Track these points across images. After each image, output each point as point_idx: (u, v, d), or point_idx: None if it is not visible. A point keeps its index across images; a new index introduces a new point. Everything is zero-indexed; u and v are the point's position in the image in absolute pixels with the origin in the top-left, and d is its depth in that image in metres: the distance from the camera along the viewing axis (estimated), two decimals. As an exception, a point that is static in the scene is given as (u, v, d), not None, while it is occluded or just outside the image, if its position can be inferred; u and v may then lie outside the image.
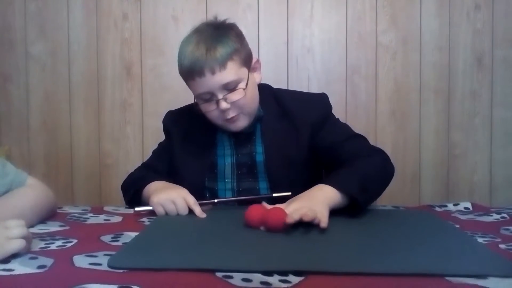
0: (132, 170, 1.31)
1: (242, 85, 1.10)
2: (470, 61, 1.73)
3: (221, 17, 1.18)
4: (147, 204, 1.04)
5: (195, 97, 1.16)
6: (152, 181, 1.11)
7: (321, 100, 1.23)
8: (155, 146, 1.79)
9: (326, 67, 1.74)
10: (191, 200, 1.00)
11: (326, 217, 0.87)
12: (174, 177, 1.19)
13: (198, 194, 1.11)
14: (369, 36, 1.72)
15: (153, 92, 1.75)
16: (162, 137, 1.73)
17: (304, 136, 1.16)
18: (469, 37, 1.72)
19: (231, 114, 1.10)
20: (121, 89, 1.76)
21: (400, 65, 1.73)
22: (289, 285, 0.60)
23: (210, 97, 1.10)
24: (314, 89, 1.73)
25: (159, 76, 1.75)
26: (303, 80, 1.73)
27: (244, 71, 1.11)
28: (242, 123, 1.13)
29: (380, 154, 1.13)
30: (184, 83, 1.76)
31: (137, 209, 1.04)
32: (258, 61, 1.18)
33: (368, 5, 1.72)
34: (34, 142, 1.78)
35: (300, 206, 0.88)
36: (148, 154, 1.75)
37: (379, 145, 1.71)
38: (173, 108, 1.75)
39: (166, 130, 1.30)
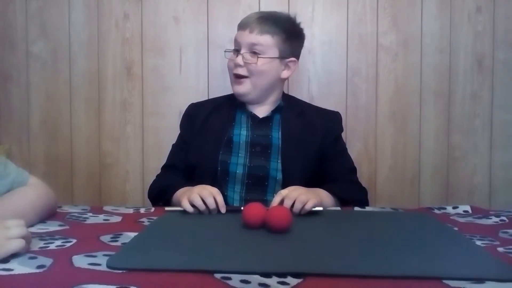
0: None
1: (264, 55, 1.25)
2: (470, 63, 1.73)
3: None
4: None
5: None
6: (178, 188, 1.18)
7: (337, 117, 1.39)
8: (155, 146, 1.80)
9: (327, 69, 1.74)
10: (215, 190, 1.05)
11: (314, 203, 1.01)
12: (191, 156, 1.30)
13: (211, 165, 1.25)
14: (369, 38, 1.72)
15: (154, 92, 1.75)
16: (162, 137, 1.74)
17: (318, 138, 1.30)
18: (470, 39, 1.72)
19: (239, 71, 1.26)
20: (121, 89, 1.76)
21: (400, 67, 1.73)
22: (288, 286, 0.60)
23: (237, 49, 1.28)
24: (315, 90, 1.73)
25: (159, 76, 1.75)
26: (304, 81, 1.74)
27: (275, 52, 1.27)
28: (243, 88, 1.28)
29: (365, 193, 1.33)
30: (183, 84, 1.78)
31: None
32: (296, 62, 1.33)
33: (369, 7, 1.72)
34: (34, 141, 1.78)
35: (296, 189, 1.05)
36: (148, 154, 1.77)
37: (379, 147, 1.74)
38: (173, 108, 1.76)
39: (188, 116, 1.39)
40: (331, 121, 1.36)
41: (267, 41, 1.26)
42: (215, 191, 1.04)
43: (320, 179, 1.28)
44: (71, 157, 1.77)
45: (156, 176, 1.36)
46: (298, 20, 1.36)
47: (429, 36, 1.72)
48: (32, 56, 1.76)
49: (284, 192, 1.05)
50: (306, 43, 1.72)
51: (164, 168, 1.37)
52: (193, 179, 1.24)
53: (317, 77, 1.73)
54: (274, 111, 1.33)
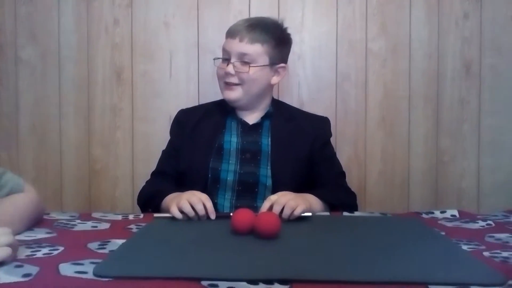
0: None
1: (257, 64, 1.26)
2: (458, 69, 1.75)
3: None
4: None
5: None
6: (167, 194, 1.18)
7: (326, 122, 1.41)
8: (145, 151, 1.79)
9: (317, 74, 1.75)
10: (204, 196, 1.05)
11: (303, 209, 1.01)
12: (182, 163, 1.30)
13: (202, 173, 1.26)
14: (359, 44, 1.74)
15: (144, 98, 1.75)
16: (152, 142, 1.74)
17: (306, 143, 1.31)
18: (458, 45, 1.74)
19: (231, 79, 1.27)
20: (111, 94, 1.75)
21: (389, 72, 1.74)
22: (274, 293, 0.60)
23: (227, 57, 1.28)
24: (305, 95, 1.74)
25: (149, 82, 1.75)
26: (294, 86, 1.74)
27: (265, 59, 1.28)
28: (234, 95, 1.28)
29: (354, 198, 1.34)
30: (174, 89, 1.78)
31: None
32: (285, 69, 1.34)
33: (358, 13, 1.73)
34: (23, 146, 1.77)
35: (285, 195, 1.05)
36: (138, 159, 1.76)
37: (368, 152, 1.75)
38: (163, 114, 1.76)
39: (177, 122, 1.39)
40: (319, 126, 1.37)
41: (258, 50, 1.26)
42: (204, 197, 1.04)
43: (309, 184, 1.28)
44: (60, 162, 1.76)
45: (146, 182, 1.36)
46: (285, 25, 1.37)
47: (417, 42, 1.74)
48: (21, 61, 1.75)
49: (273, 197, 1.05)
50: (296, 48, 1.74)
51: (154, 174, 1.36)
52: (183, 186, 1.24)
53: (307, 83, 1.74)
54: (264, 118, 1.33)
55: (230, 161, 1.28)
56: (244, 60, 1.26)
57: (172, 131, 1.40)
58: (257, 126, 1.33)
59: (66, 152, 1.76)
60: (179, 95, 1.74)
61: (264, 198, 1.23)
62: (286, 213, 1.00)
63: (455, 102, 1.75)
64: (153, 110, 1.75)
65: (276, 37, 1.29)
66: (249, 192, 1.26)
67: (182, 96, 1.74)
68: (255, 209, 1.23)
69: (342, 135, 1.74)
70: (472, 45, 1.74)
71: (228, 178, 1.26)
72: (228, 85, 1.28)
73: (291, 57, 1.73)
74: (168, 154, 1.37)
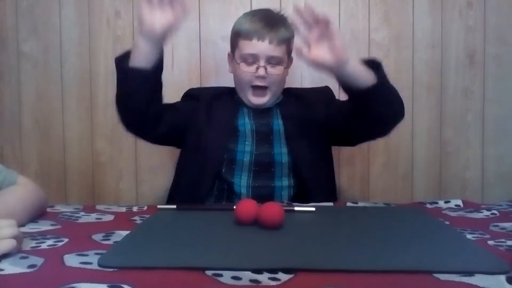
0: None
1: (283, 65, 1.29)
2: (462, 58, 1.74)
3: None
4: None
5: (236, 56, 1.30)
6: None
7: (328, 89, 1.43)
8: (148, 144, 1.79)
9: (319, 65, 1.74)
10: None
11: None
12: (197, 140, 1.29)
13: (218, 153, 1.27)
14: (361, 34, 1.73)
15: (146, 90, 1.75)
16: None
17: (318, 113, 1.32)
18: (461, 34, 1.73)
19: (262, 83, 1.26)
20: (113, 87, 1.72)
21: (392, 62, 1.73)
22: (279, 282, 0.60)
23: (252, 60, 1.26)
24: (308, 87, 1.73)
25: (152, 74, 1.75)
26: (297, 77, 1.74)
27: (287, 57, 1.30)
28: (265, 99, 1.30)
29: None
30: (176, 81, 1.77)
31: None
32: (292, 60, 1.35)
33: (360, 3, 1.72)
34: (27, 140, 1.77)
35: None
36: (141, 152, 1.76)
37: (371, 143, 1.74)
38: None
39: (191, 96, 1.39)
40: (325, 95, 1.40)
41: (284, 51, 1.28)
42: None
43: (326, 159, 1.35)
44: (64, 156, 1.77)
45: None
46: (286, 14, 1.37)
47: (420, 32, 1.73)
48: (23, 55, 1.75)
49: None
50: (299, 39, 1.73)
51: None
52: (196, 160, 1.27)
53: (310, 74, 1.74)
54: (275, 105, 1.36)
55: (246, 142, 1.29)
56: (272, 62, 1.26)
57: (185, 104, 1.37)
58: (268, 110, 1.35)
59: (70, 145, 1.76)
60: (181, 88, 1.73)
61: (281, 176, 1.29)
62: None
63: (459, 92, 1.74)
64: (156, 103, 1.74)
65: (292, 33, 1.29)
66: (266, 172, 1.28)
67: (184, 88, 1.71)
68: (272, 188, 1.27)
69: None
70: (476, 34, 1.72)
71: (245, 159, 1.27)
72: (256, 89, 1.28)
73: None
74: (173, 107, 1.34)
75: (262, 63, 1.25)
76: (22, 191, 0.94)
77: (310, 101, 1.37)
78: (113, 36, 1.74)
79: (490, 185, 1.75)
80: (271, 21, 1.28)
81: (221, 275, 0.62)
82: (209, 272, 0.63)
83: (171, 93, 1.73)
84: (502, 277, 0.60)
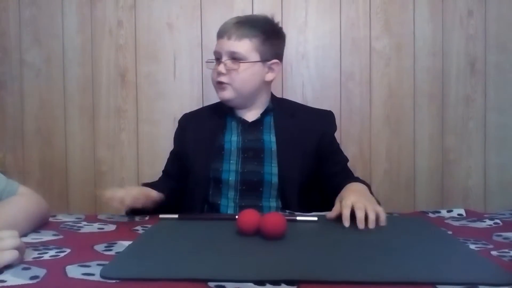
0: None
1: (246, 61, 1.24)
2: (463, 66, 1.74)
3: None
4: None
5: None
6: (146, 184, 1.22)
7: (331, 116, 1.37)
8: (150, 153, 1.80)
9: (321, 73, 1.74)
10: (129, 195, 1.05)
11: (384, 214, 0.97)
12: (186, 166, 1.30)
13: (203, 174, 1.26)
14: (363, 42, 1.73)
15: (148, 99, 1.76)
16: (156, 143, 1.74)
17: (314, 139, 1.29)
18: (462, 42, 1.74)
19: (221, 79, 1.25)
20: (115, 96, 1.76)
21: (394, 71, 1.74)
22: (281, 294, 0.60)
23: (218, 57, 1.28)
24: (309, 95, 1.74)
25: (153, 83, 1.76)
26: (298, 86, 1.74)
27: (256, 56, 1.26)
28: (227, 94, 1.27)
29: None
30: (178, 90, 1.78)
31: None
32: (278, 64, 1.31)
33: (361, 11, 1.73)
34: (29, 149, 1.77)
35: (357, 199, 0.99)
36: (143, 160, 1.77)
37: (373, 151, 1.75)
38: (168, 115, 1.77)
39: (181, 127, 1.40)
40: (326, 121, 1.35)
41: (246, 46, 1.24)
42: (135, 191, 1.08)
43: (315, 179, 1.28)
44: (65, 164, 1.77)
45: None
46: (285, 22, 1.37)
47: (421, 40, 1.73)
48: (25, 64, 1.76)
49: (347, 202, 0.98)
50: (300, 47, 1.74)
51: (162, 172, 1.38)
52: (187, 187, 1.26)
53: (311, 82, 1.74)
54: (264, 114, 1.31)
55: (231, 161, 1.27)
56: (234, 57, 1.24)
57: (175, 137, 1.40)
58: (257, 123, 1.31)
59: (72, 154, 1.77)
60: (183, 96, 1.75)
61: (269, 196, 1.25)
62: (372, 218, 0.94)
63: (460, 100, 1.74)
64: (158, 112, 1.75)
65: (265, 31, 1.26)
66: (253, 191, 1.25)
67: (186, 97, 1.74)
68: (260, 208, 1.23)
69: (347, 134, 1.74)
70: (477, 42, 1.73)
71: (230, 178, 1.25)
72: (220, 85, 1.27)
73: (295, 56, 1.74)
74: (173, 156, 1.38)
75: (223, 58, 1.25)
76: (23, 201, 0.94)
77: (307, 121, 1.31)
78: (116, 45, 1.75)
79: (492, 193, 1.75)
80: (242, 20, 1.27)
81: (223, 287, 0.62)
82: (212, 284, 0.63)
83: (174, 101, 1.74)
84: (506, 289, 0.60)
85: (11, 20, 1.75)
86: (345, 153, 1.58)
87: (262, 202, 1.25)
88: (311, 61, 1.74)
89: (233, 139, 1.29)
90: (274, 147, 1.27)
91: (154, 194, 1.12)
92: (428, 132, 1.75)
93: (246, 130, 1.30)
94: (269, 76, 1.30)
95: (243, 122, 1.31)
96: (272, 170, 1.25)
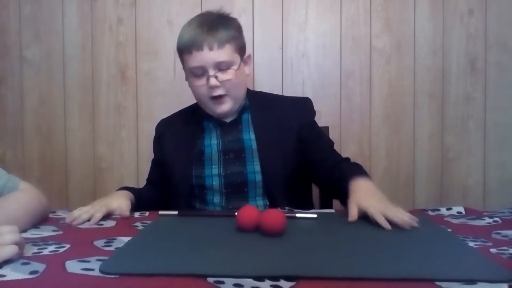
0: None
1: (234, 67, 1.19)
2: (463, 65, 1.74)
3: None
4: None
5: (186, 72, 1.23)
6: (125, 189, 1.21)
7: (307, 103, 1.33)
8: (150, 150, 1.80)
9: (321, 72, 1.74)
10: (116, 207, 1.05)
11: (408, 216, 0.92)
12: (167, 176, 1.27)
13: (186, 182, 1.23)
14: (363, 41, 1.73)
15: (148, 96, 1.76)
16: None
17: (293, 131, 1.25)
18: (463, 41, 1.74)
19: (218, 92, 1.18)
20: (115, 93, 1.76)
21: (394, 69, 1.74)
22: (280, 290, 0.60)
23: (201, 72, 1.18)
24: (309, 93, 1.74)
25: (153, 80, 1.76)
26: (298, 84, 1.74)
27: (237, 57, 1.21)
28: (227, 106, 1.22)
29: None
30: (177, 87, 1.77)
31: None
32: (250, 56, 1.28)
33: (362, 10, 1.73)
34: (29, 145, 1.78)
35: (378, 205, 0.94)
36: (142, 157, 1.77)
37: (373, 149, 1.75)
38: (167, 112, 1.76)
39: (158, 134, 1.37)
40: (302, 109, 1.30)
41: (229, 51, 1.18)
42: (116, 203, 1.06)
43: (302, 171, 1.25)
44: (65, 161, 1.77)
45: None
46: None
47: (422, 38, 1.73)
48: (26, 60, 1.76)
49: (362, 206, 0.95)
50: (300, 46, 1.74)
51: (147, 180, 1.39)
52: (171, 195, 1.26)
53: (311, 80, 1.74)
54: (241, 112, 1.28)
55: (212, 166, 1.24)
56: (222, 67, 1.17)
57: (154, 145, 1.38)
58: (235, 122, 1.27)
59: (71, 150, 1.77)
60: (183, 93, 1.74)
61: (255, 195, 1.23)
62: (401, 223, 0.91)
63: (460, 98, 1.74)
64: (157, 109, 1.75)
65: (234, 28, 1.21)
66: (239, 193, 1.23)
67: (186, 94, 1.72)
68: None
69: (347, 132, 1.74)
70: (477, 41, 1.73)
71: (214, 183, 1.23)
72: (216, 99, 1.20)
73: (296, 55, 1.74)
74: (154, 165, 1.37)
75: (211, 72, 1.17)
76: (23, 197, 0.94)
77: (285, 112, 1.27)
78: (116, 42, 1.75)
79: (492, 191, 1.75)
80: (206, 26, 1.17)
81: (223, 283, 0.62)
82: (211, 279, 0.63)
83: (174, 98, 1.74)
84: (505, 286, 0.60)
85: (11, 17, 1.75)
86: (345, 151, 1.60)
87: (248, 202, 1.23)
88: (311, 59, 1.74)
89: (212, 142, 1.26)
90: (254, 145, 1.24)
91: (115, 207, 1.06)
92: (428, 131, 1.75)
93: (225, 131, 1.27)
94: (247, 70, 1.27)
95: (221, 123, 1.27)
96: (255, 169, 1.22)
